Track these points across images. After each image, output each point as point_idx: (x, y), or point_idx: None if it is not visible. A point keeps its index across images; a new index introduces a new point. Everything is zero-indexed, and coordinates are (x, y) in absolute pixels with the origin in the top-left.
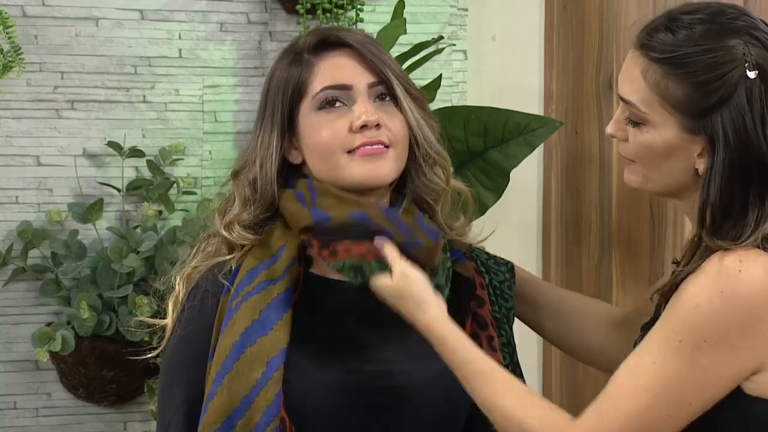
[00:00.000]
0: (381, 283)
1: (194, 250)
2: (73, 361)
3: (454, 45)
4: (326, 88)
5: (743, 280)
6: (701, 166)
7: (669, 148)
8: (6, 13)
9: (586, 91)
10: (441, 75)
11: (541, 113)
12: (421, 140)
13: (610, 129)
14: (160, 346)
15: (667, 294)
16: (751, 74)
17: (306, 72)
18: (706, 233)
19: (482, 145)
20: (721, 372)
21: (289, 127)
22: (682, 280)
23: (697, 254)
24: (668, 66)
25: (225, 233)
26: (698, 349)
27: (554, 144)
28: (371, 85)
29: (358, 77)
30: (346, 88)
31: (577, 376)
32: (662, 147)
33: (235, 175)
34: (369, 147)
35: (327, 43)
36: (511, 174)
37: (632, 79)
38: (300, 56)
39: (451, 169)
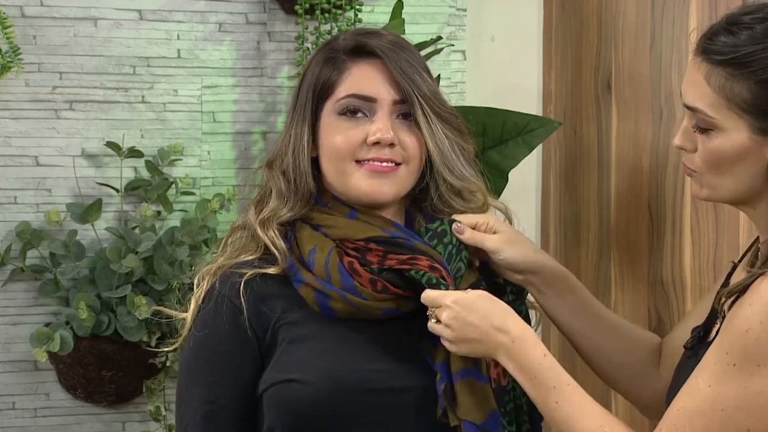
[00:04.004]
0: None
1: (223, 243)
2: (72, 362)
3: (453, 45)
4: (351, 96)
5: None
6: None
7: (740, 151)
8: (5, 13)
9: (585, 91)
10: (440, 75)
11: (540, 114)
12: (438, 164)
13: (678, 141)
14: (158, 347)
15: (734, 294)
16: None
17: (336, 74)
18: None
19: (481, 145)
20: None
21: (313, 122)
22: (755, 279)
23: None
24: (732, 67)
25: (260, 232)
26: (752, 374)
27: (553, 144)
28: (396, 102)
29: (385, 91)
30: (370, 99)
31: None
32: (734, 151)
33: (269, 165)
34: (378, 164)
35: (363, 50)
36: (509, 174)
37: (696, 85)
38: (336, 56)
39: (486, 191)
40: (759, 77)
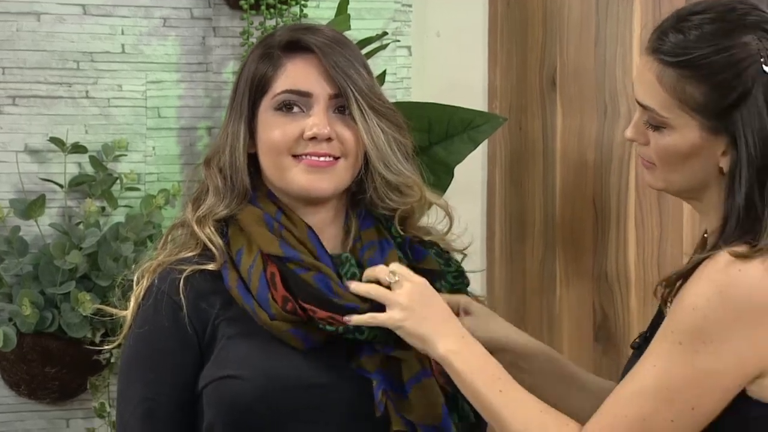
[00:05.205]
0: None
1: (163, 240)
2: (15, 358)
3: (398, 41)
4: (287, 91)
5: (742, 279)
6: (726, 164)
7: (692, 149)
8: None
9: (530, 87)
10: (385, 71)
11: (485, 109)
12: (373, 158)
13: (629, 134)
14: (103, 344)
15: (674, 283)
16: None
17: (272, 70)
18: (728, 233)
19: (426, 141)
20: (722, 374)
21: (250, 118)
22: (695, 267)
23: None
24: (683, 69)
25: (197, 229)
26: (698, 351)
27: (498, 140)
28: (332, 97)
29: (321, 86)
30: (305, 94)
31: None
32: (685, 149)
33: (207, 162)
34: (315, 158)
35: (299, 45)
36: (455, 170)
37: (648, 84)
38: (271, 52)
39: (423, 186)
40: (711, 80)
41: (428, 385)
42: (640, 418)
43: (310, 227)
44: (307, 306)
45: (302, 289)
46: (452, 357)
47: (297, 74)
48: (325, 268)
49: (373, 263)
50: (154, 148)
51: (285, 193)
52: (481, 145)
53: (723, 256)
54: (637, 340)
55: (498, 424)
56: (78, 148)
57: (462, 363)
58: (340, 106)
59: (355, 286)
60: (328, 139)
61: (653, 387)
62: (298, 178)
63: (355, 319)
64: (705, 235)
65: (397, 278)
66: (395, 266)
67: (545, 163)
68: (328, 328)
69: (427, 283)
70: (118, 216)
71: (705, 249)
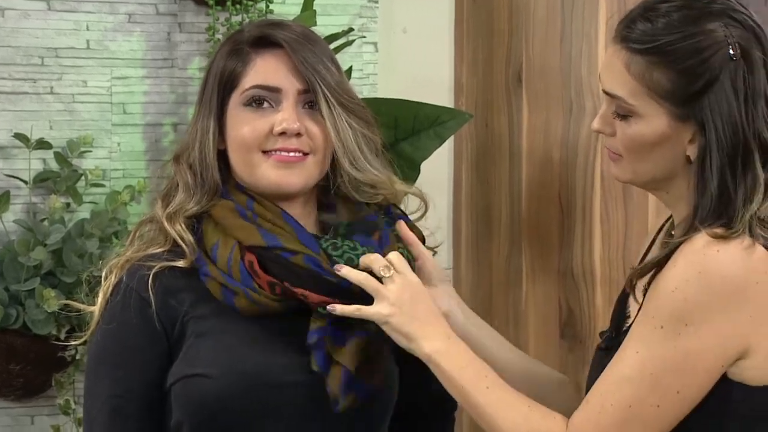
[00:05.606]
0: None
1: (131, 236)
2: None
3: (365, 37)
4: (256, 86)
5: (721, 260)
6: (693, 152)
7: (660, 137)
8: None
9: (496, 83)
10: (351, 67)
11: (452, 106)
12: (339, 155)
13: (596, 125)
14: (68, 340)
15: (648, 272)
16: (734, 56)
17: (241, 66)
18: (701, 217)
19: (393, 137)
20: (704, 356)
21: (219, 115)
22: (671, 253)
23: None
24: (651, 56)
25: (168, 226)
26: (679, 333)
27: (464, 136)
28: (301, 92)
29: (290, 81)
30: (275, 90)
31: None
32: (653, 137)
33: (176, 159)
34: (285, 154)
35: (268, 41)
36: (421, 166)
37: (616, 72)
38: (240, 47)
39: (395, 180)
40: (678, 66)
41: (370, 343)
42: (626, 405)
43: (283, 209)
44: (297, 290)
45: (292, 273)
46: (438, 357)
47: (266, 70)
48: (311, 252)
49: (368, 244)
50: (119, 144)
51: (255, 189)
52: (447, 142)
53: (701, 238)
54: (602, 342)
55: (486, 421)
56: (43, 144)
57: (448, 362)
58: (309, 101)
59: (346, 272)
60: (298, 135)
61: (637, 373)
62: (268, 173)
63: (340, 309)
64: (665, 227)
65: (390, 273)
66: (394, 258)
67: (511, 159)
68: (320, 311)
69: (420, 283)
70: (83, 212)
71: (676, 237)
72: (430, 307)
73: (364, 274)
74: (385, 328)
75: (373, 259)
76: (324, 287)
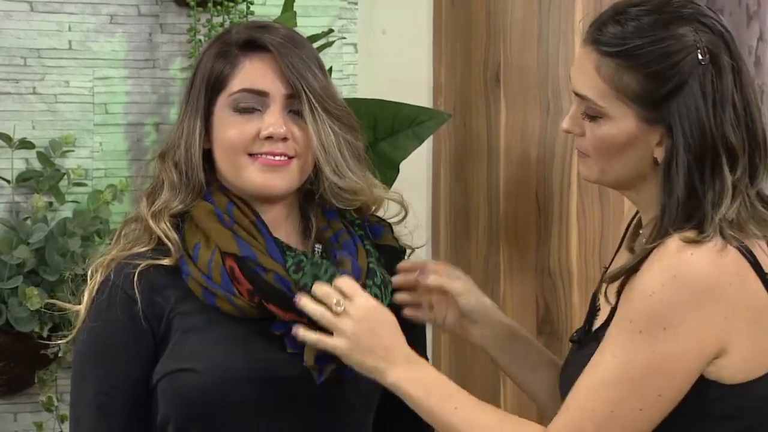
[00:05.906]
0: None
1: (116, 235)
2: None
3: (345, 38)
4: (243, 90)
5: (695, 263)
6: (660, 154)
7: (628, 139)
8: None
9: (474, 84)
10: (331, 68)
11: (430, 106)
12: (321, 161)
13: (565, 125)
14: (51, 338)
15: (621, 276)
16: (703, 60)
17: (229, 68)
18: (669, 220)
19: (372, 137)
20: (683, 357)
21: (206, 115)
22: (644, 258)
23: (652, 236)
24: (621, 59)
25: (153, 224)
26: (657, 337)
27: (443, 136)
28: (288, 97)
29: (276, 86)
30: (262, 94)
31: (466, 359)
32: (621, 139)
33: (162, 157)
34: (270, 157)
35: (256, 44)
36: (400, 166)
37: (586, 74)
38: (228, 49)
39: (375, 183)
40: (647, 69)
41: None
42: (608, 411)
43: (259, 217)
44: (270, 306)
45: (264, 289)
46: (402, 384)
47: (254, 73)
48: (281, 269)
49: (348, 251)
50: (101, 144)
51: (240, 190)
52: (426, 142)
53: (673, 242)
54: (575, 335)
55: None
56: (25, 144)
57: (412, 388)
58: (296, 106)
59: (303, 304)
60: (284, 139)
61: (617, 378)
62: (253, 176)
63: (302, 334)
64: (632, 225)
65: (342, 308)
66: (345, 286)
67: (489, 159)
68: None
69: (377, 305)
70: (66, 211)
71: (647, 240)
72: (389, 331)
73: (321, 309)
74: (345, 360)
75: (324, 294)
76: (294, 306)
